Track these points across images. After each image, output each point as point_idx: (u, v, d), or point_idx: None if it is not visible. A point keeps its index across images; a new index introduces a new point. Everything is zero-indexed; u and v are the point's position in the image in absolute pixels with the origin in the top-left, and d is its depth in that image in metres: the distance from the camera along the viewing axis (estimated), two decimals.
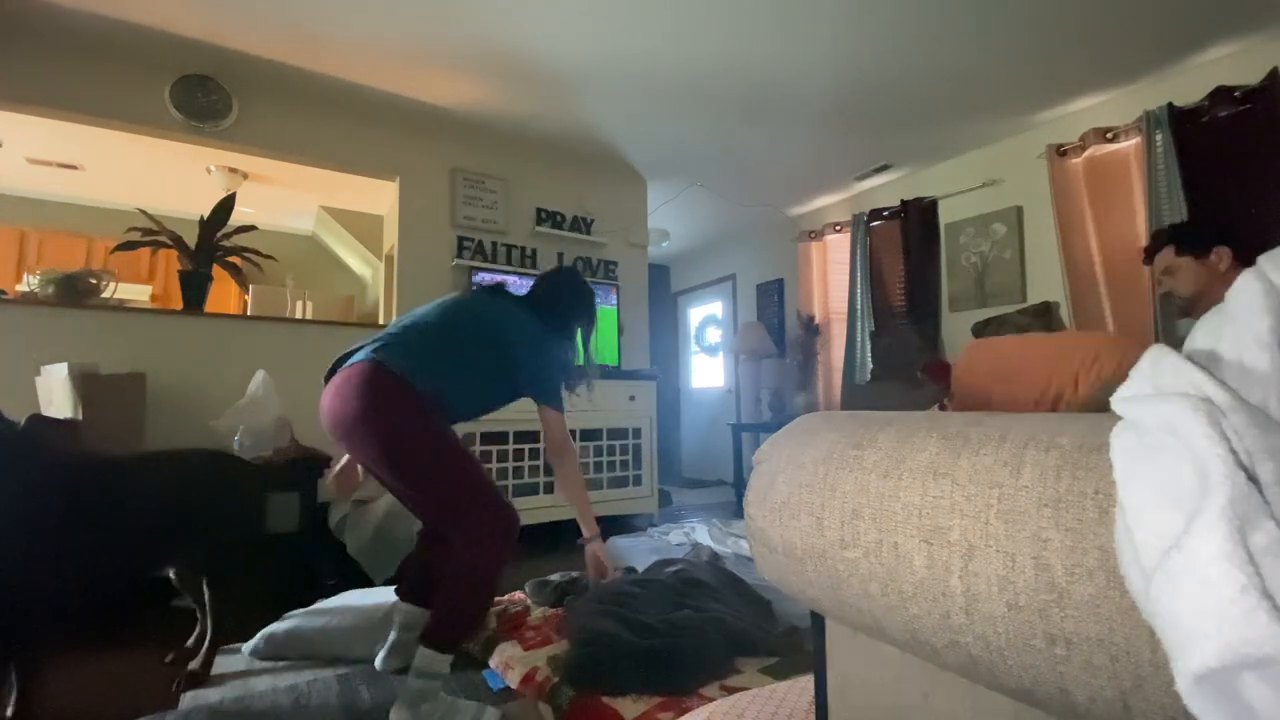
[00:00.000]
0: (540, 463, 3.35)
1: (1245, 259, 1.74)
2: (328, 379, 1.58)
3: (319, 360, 3.14)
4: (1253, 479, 0.28)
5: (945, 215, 4.04)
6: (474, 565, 1.41)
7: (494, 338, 1.63)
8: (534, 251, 3.94)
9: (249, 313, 4.32)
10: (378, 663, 1.63)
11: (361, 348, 1.57)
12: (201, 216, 2.96)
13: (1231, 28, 2.66)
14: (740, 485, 4.65)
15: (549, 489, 3.36)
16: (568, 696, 1.40)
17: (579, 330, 1.83)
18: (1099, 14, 2.55)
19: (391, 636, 1.65)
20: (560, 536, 3.34)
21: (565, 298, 1.82)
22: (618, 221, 4.29)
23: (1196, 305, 1.84)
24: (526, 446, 3.31)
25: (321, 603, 1.90)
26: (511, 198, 3.91)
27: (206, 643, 1.62)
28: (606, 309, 4.00)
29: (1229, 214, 2.74)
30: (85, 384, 2.24)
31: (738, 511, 4.17)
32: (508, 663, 1.62)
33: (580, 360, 1.82)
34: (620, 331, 4.06)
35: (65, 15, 2.57)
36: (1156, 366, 0.36)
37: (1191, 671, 0.27)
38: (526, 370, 1.65)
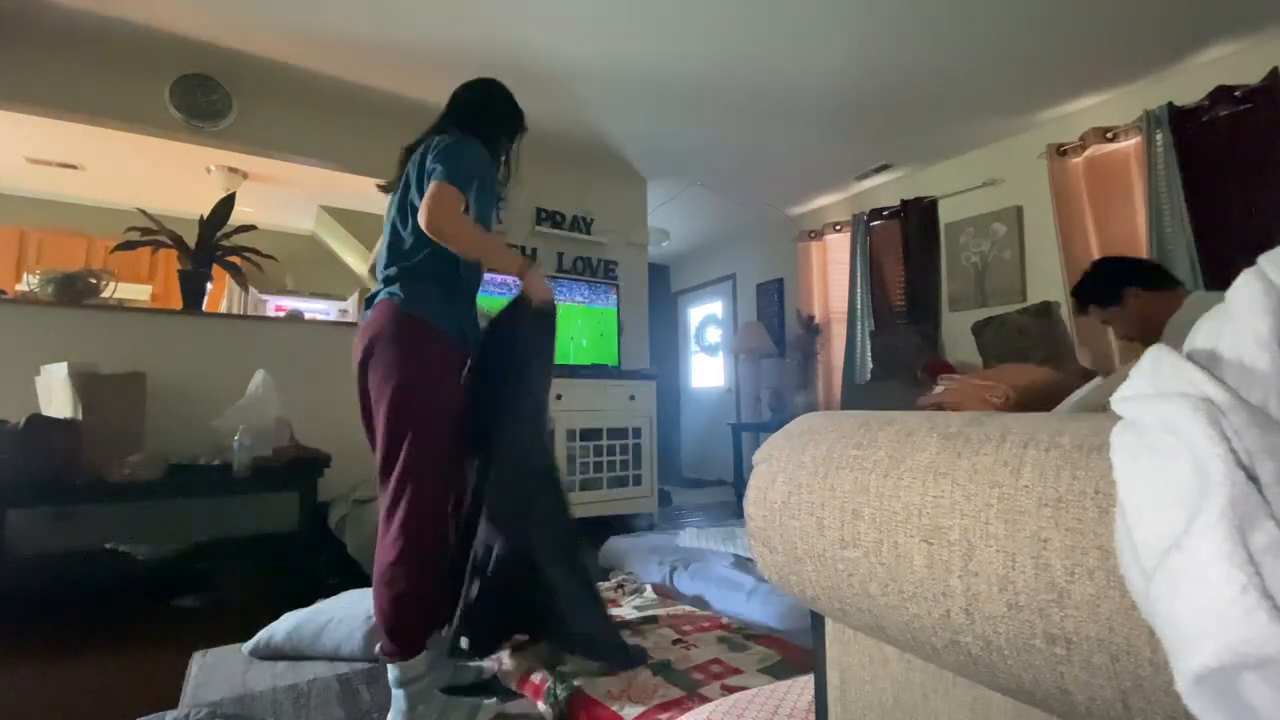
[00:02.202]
0: None
1: (1149, 281, 1.93)
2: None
3: (319, 360, 3.17)
4: (1253, 479, 0.28)
5: (945, 215, 4.05)
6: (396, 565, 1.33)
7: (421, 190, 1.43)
8: (534, 251, 3.94)
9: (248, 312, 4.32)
10: None
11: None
12: (201, 216, 2.96)
13: (1231, 28, 2.66)
14: (740, 485, 4.65)
15: None
16: (566, 697, 1.40)
17: (504, 141, 1.65)
18: (1099, 14, 2.55)
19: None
20: None
21: (483, 104, 1.63)
22: (618, 221, 4.29)
23: (1151, 337, 1.92)
24: None
25: (321, 603, 1.90)
26: (511, 197, 3.91)
27: None
28: (606, 309, 4.00)
29: (1228, 214, 2.75)
30: (85, 384, 2.24)
31: (738, 511, 4.17)
32: (501, 663, 1.62)
33: (500, 178, 1.63)
34: (620, 331, 4.06)
35: (65, 15, 2.57)
36: (1156, 366, 0.36)
37: (1191, 671, 0.27)
38: (433, 166, 1.39)
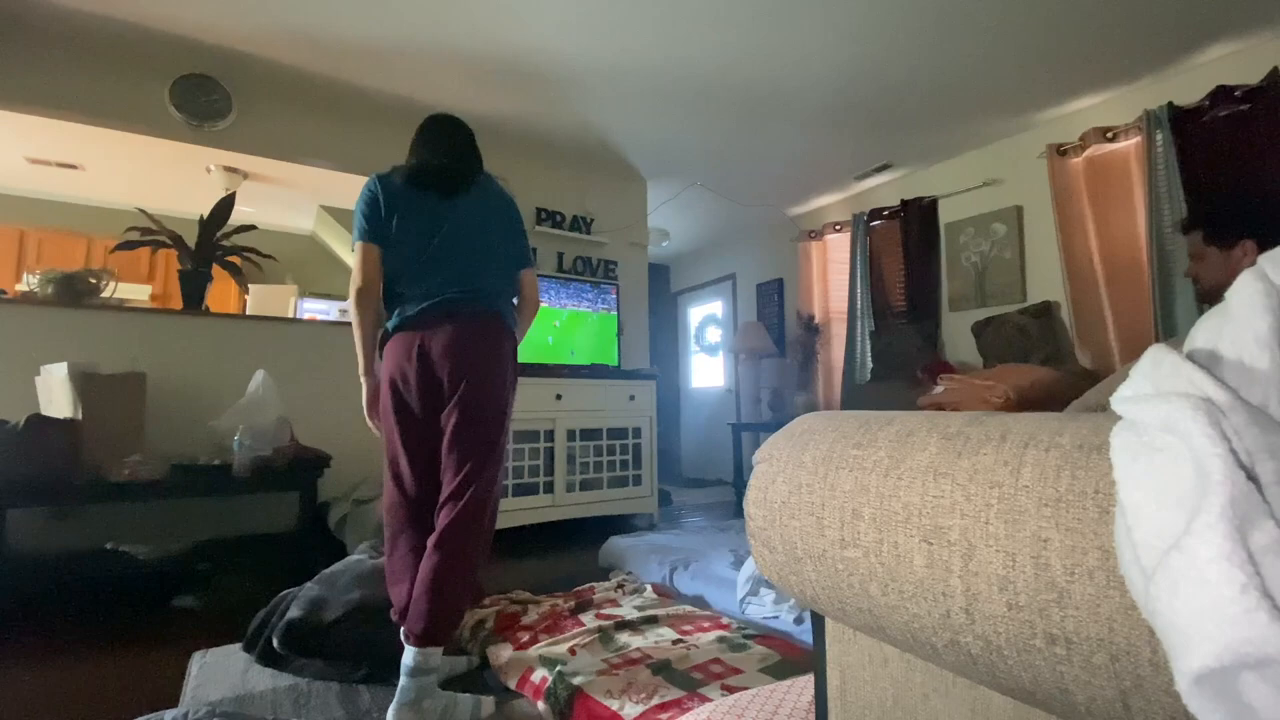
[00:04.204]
0: (540, 462, 3.35)
1: (1273, 241, 1.70)
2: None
3: (319, 360, 3.17)
4: (1252, 478, 0.28)
5: (945, 215, 4.04)
6: (460, 557, 1.42)
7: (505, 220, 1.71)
8: (534, 250, 3.94)
9: (249, 312, 4.32)
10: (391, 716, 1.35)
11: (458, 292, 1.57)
12: (201, 216, 2.97)
13: (1231, 28, 2.66)
14: (740, 485, 4.66)
15: (548, 489, 3.36)
16: (567, 697, 1.40)
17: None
18: (1099, 14, 2.55)
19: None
20: (559, 537, 3.34)
21: (473, 147, 1.75)
22: (618, 221, 4.29)
23: (1216, 296, 1.84)
24: (526, 446, 3.31)
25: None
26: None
27: None
28: (606, 309, 4.00)
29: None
30: (85, 384, 2.24)
31: (738, 511, 4.17)
32: (500, 663, 1.63)
33: None
34: (620, 331, 4.06)
35: (65, 15, 2.57)
36: (1156, 366, 0.36)
37: (1191, 671, 0.27)
38: (519, 235, 1.74)
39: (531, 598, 2.09)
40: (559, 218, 4.03)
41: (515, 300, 1.73)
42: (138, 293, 4.71)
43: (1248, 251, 1.70)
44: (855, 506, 0.54)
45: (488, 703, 1.43)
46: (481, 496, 1.46)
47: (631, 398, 3.74)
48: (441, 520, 1.45)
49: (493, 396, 1.52)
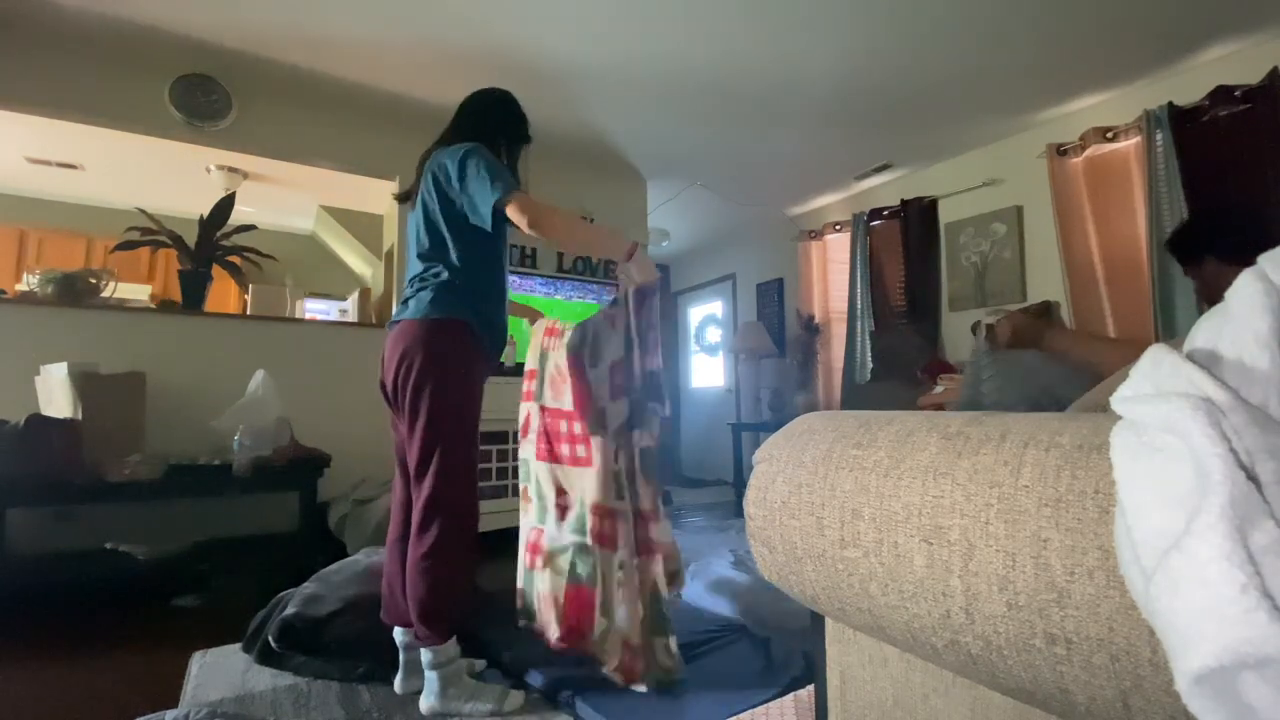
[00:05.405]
0: None
1: (1235, 257, 1.72)
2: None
3: (319, 360, 3.17)
4: (1253, 478, 0.28)
5: (945, 215, 4.04)
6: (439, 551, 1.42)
7: (442, 202, 1.52)
8: (534, 251, 3.94)
9: (249, 312, 4.31)
10: (398, 687, 1.51)
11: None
12: (201, 216, 2.97)
13: (1231, 28, 2.66)
14: (740, 485, 4.65)
15: None
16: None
17: (502, 144, 1.68)
18: (1099, 14, 2.55)
19: (400, 659, 1.55)
20: None
21: (480, 111, 1.69)
22: (618, 221, 4.29)
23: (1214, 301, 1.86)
24: None
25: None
26: None
27: None
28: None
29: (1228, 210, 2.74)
30: (85, 383, 2.24)
31: (738, 511, 4.17)
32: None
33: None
34: None
35: (65, 15, 2.56)
36: (1156, 366, 0.36)
37: (1191, 671, 0.27)
38: (463, 181, 1.47)
39: None
40: None
41: (447, 276, 1.51)
42: (138, 293, 4.70)
43: (1213, 264, 1.76)
44: (855, 506, 0.54)
45: (517, 696, 1.45)
46: (431, 500, 1.42)
47: None
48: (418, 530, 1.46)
49: (417, 402, 1.46)
